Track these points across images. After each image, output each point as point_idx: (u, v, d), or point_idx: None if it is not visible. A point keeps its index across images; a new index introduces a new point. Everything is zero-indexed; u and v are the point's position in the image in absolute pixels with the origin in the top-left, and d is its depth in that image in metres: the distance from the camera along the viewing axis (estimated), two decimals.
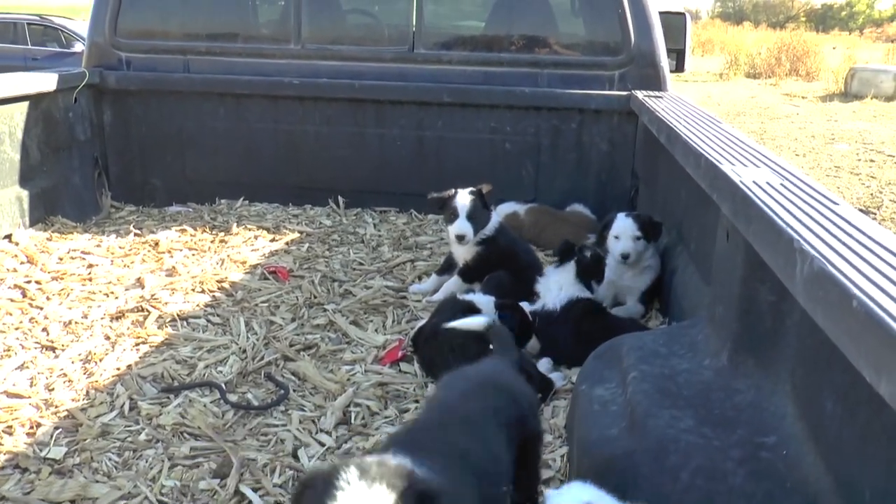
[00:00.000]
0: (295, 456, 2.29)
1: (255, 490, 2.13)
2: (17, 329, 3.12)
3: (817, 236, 1.46)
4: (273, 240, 4.34)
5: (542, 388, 2.59)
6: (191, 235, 4.38)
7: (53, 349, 2.96)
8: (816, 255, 1.34)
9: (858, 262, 1.31)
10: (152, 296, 3.48)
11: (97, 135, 4.90)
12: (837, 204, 1.75)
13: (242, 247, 4.20)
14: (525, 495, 1.89)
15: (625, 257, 3.32)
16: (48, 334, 3.08)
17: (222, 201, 5.01)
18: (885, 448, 1.30)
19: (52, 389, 2.66)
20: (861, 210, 2.03)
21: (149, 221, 4.72)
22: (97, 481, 2.15)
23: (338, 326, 3.18)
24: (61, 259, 3.94)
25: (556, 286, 3.04)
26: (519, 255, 3.50)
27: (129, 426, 2.44)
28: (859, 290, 1.17)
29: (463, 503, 1.47)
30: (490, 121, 4.68)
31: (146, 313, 3.28)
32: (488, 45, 4.85)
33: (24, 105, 4.30)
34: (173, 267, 3.85)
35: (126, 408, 2.54)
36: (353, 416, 2.51)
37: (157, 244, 4.20)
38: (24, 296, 3.45)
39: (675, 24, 4.99)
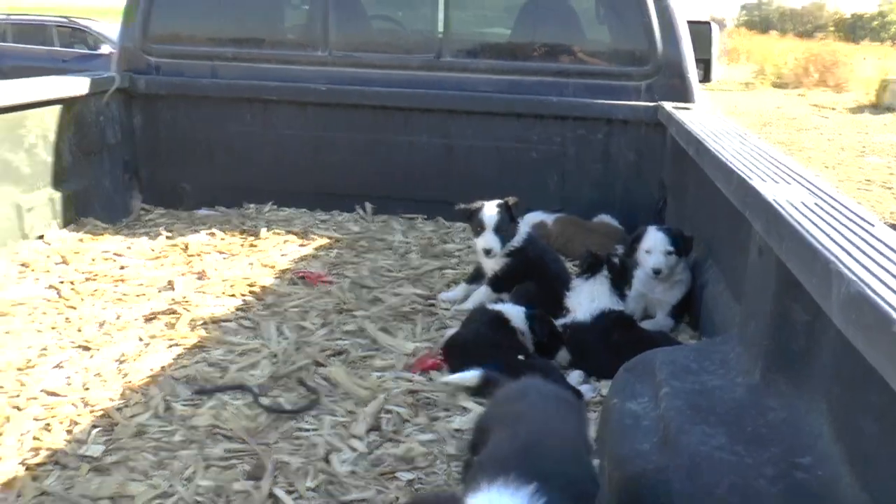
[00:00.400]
0: (327, 460, 2.32)
1: (288, 493, 2.16)
2: (53, 329, 3.18)
3: (853, 258, 1.46)
4: (302, 245, 4.38)
5: None
6: (220, 239, 4.44)
7: (88, 349, 3.02)
8: (854, 277, 1.35)
9: None
10: (183, 298, 3.53)
11: (127, 138, 4.97)
12: (873, 225, 1.74)
13: (271, 251, 4.25)
14: None
15: (657, 272, 3.30)
16: (83, 334, 3.14)
17: (251, 206, 5.06)
18: None
19: (88, 389, 2.71)
20: (894, 226, 2.03)
21: (178, 224, 4.78)
22: (134, 479, 2.20)
23: (367, 333, 3.22)
24: (94, 260, 4.01)
25: (588, 297, 3.04)
26: (548, 266, 3.51)
27: (164, 426, 2.48)
28: None
29: None
30: (517, 129, 4.69)
31: (178, 315, 3.33)
32: (514, 53, 4.87)
33: (57, 108, 4.39)
34: (203, 270, 3.90)
35: (160, 408, 2.58)
36: (384, 422, 2.54)
37: (187, 247, 4.26)
38: (60, 295, 3.52)
39: (701, 33, 4.98)
